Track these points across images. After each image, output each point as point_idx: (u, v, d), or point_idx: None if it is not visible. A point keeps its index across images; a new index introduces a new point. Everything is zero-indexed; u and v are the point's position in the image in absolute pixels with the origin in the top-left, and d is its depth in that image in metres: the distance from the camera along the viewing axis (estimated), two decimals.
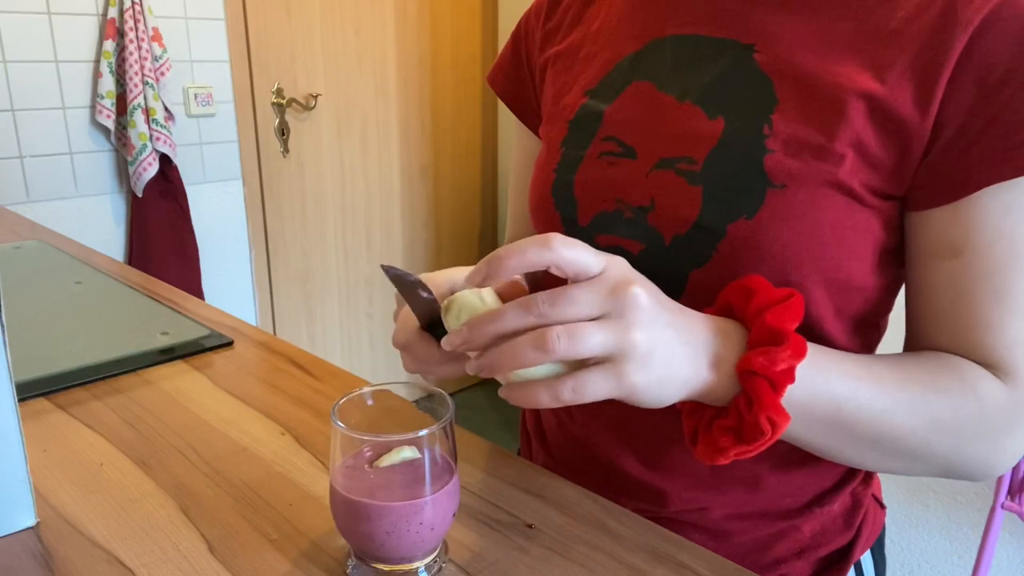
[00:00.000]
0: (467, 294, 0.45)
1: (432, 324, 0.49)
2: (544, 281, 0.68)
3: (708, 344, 0.46)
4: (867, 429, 0.49)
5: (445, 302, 0.46)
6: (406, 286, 0.47)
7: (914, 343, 0.56)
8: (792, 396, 0.46)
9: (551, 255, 0.42)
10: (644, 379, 0.42)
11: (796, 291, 0.48)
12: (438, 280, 0.54)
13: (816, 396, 0.48)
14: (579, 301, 0.41)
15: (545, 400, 0.42)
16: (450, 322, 0.46)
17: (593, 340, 0.41)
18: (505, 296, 0.47)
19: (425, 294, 0.48)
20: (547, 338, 0.40)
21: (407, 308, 0.52)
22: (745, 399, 0.45)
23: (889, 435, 0.50)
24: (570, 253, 0.41)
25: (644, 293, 0.43)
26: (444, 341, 0.45)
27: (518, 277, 0.60)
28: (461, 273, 0.54)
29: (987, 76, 0.48)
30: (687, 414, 0.51)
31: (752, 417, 0.45)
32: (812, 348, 0.48)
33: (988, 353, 0.51)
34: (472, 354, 0.45)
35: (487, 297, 0.45)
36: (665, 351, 0.43)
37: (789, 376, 0.44)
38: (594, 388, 0.42)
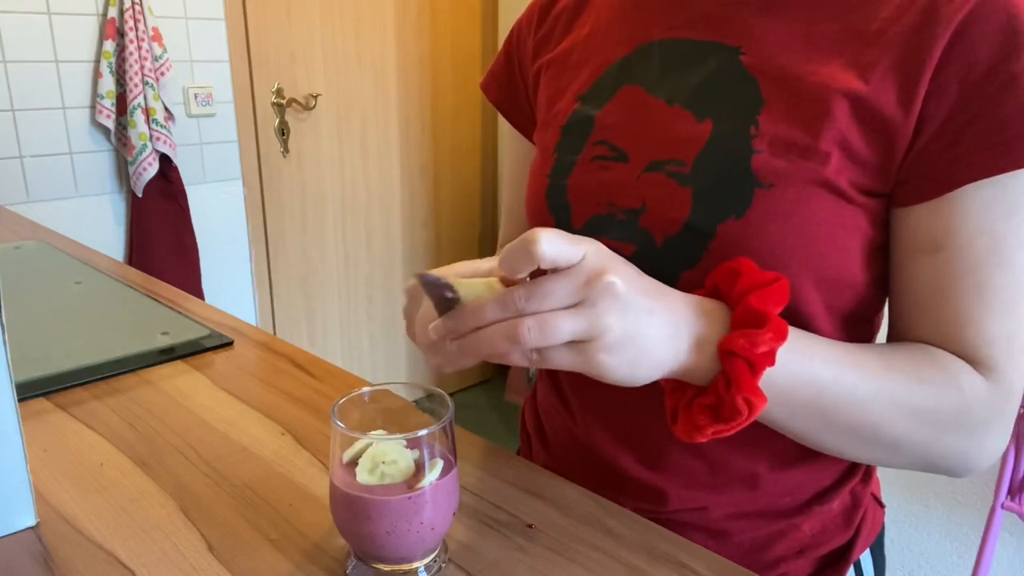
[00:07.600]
0: (478, 283, 0.46)
1: None
2: None
3: (691, 325, 0.47)
4: (848, 415, 0.50)
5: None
6: (436, 289, 0.47)
7: (896, 337, 0.57)
8: (774, 379, 0.47)
9: (535, 259, 0.42)
10: (613, 361, 0.43)
11: (782, 276, 0.48)
12: (462, 272, 0.53)
13: (798, 380, 0.48)
14: (553, 294, 0.42)
15: (515, 358, 0.44)
16: None
17: (563, 330, 0.42)
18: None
19: (450, 294, 0.47)
20: (518, 330, 0.42)
21: (425, 307, 0.52)
22: (724, 379, 0.46)
23: (870, 422, 0.50)
24: (550, 252, 0.42)
25: (619, 281, 0.43)
26: (431, 328, 0.46)
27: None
28: (485, 264, 0.54)
29: (969, 73, 0.49)
30: (669, 392, 0.51)
31: (730, 397, 0.45)
32: (797, 333, 0.49)
33: (968, 348, 0.52)
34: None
35: (496, 286, 0.46)
36: (640, 335, 0.44)
37: (769, 359, 0.45)
38: (558, 360, 0.44)
